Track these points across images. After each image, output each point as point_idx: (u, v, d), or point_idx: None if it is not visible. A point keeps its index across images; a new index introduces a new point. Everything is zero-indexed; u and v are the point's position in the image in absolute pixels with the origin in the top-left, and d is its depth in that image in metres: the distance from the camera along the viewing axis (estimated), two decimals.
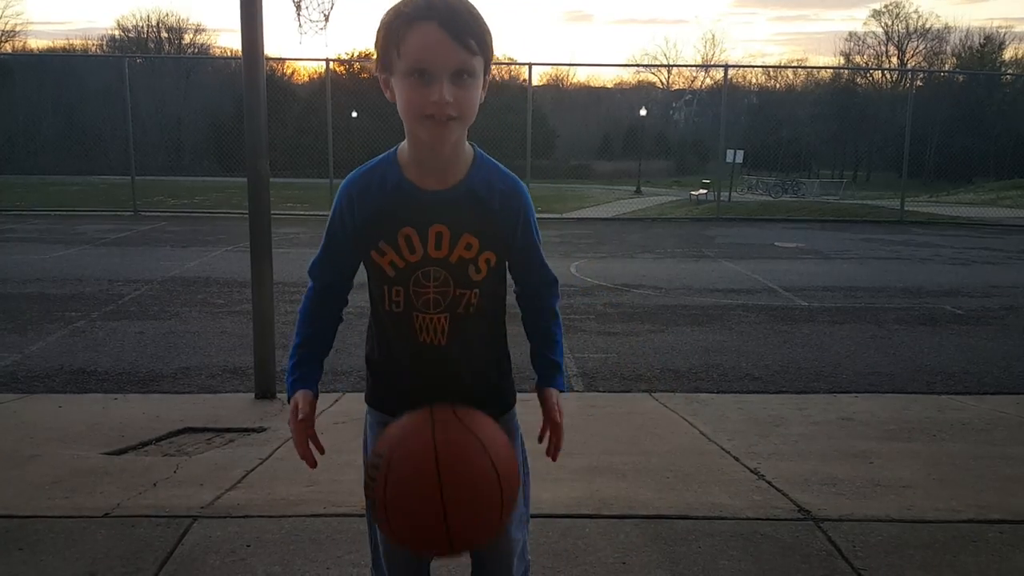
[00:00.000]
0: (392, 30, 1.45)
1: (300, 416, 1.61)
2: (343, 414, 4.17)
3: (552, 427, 1.73)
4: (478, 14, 1.46)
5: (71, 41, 58.94)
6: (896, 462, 3.61)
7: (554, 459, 1.74)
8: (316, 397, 1.67)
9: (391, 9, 1.47)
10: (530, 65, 18.43)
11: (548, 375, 1.74)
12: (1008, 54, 58.06)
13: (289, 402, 1.66)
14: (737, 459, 3.59)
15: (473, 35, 1.44)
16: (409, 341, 1.60)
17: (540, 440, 1.74)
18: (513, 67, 31.48)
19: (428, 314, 1.58)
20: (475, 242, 1.56)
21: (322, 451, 1.66)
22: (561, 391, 1.75)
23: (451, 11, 1.42)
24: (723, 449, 3.75)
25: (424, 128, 1.47)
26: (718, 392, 5.03)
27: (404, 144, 1.57)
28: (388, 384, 1.68)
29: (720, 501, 3.06)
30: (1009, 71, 53.43)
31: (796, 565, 2.56)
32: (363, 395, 1.78)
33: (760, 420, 4.30)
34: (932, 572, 2.54)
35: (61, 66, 36.73)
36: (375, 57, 1.51)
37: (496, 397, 1.71)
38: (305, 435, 1.63)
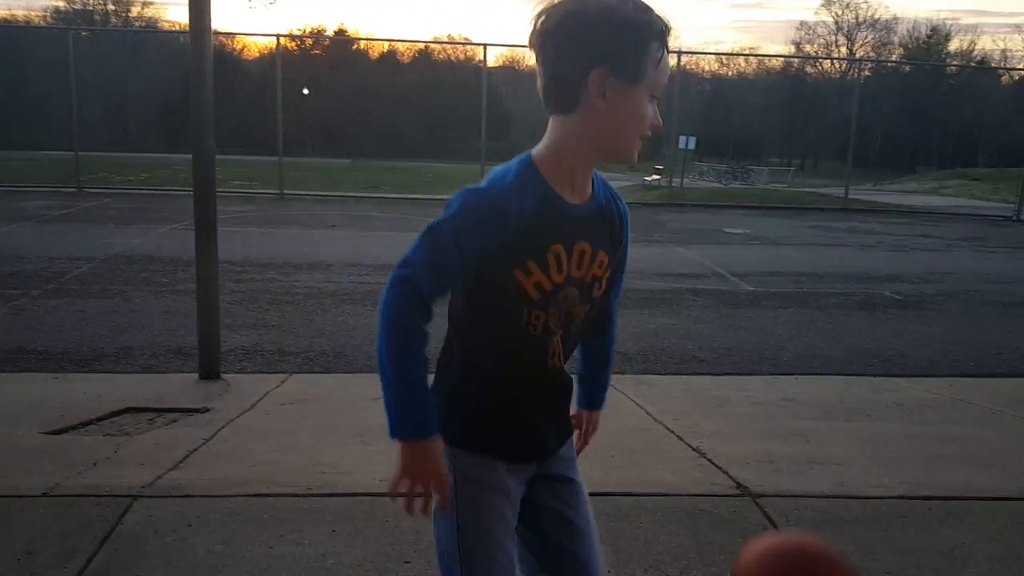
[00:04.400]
0: (655, 44, 1.36)
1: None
2: (289, 395, 4.13)
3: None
4: None
5: (12, 12, 57.06)
6: (832, 441, 3.72)
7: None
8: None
9: (649, 14, 1.35)
10: (485, 46, 18.32)
11: (601, 398, 1.78)
12: (954, 46, 59.50)
13: (416, 440, 1.35)
14: (680, 438, 3.66)
15: None
16: (538, 365, 1.49)
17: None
18: (468, 47, 31.25)
19: (558, 335, 1.48)
20: (606, 259, 1.50)
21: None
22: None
23: None
24: (668, 429, 3.82)
25: (637, 145, 1.43)
26: (666, 374, 5.11)
27: (540, 153, 1.44)
28: (505, 421, 1.50)
29: (662, 478, 3.12)
30: (954, 63, 54.71)
31: (732, 539, 2.62)
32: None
33: (704, 401, 4.39)
34: (864, 546, 2.64)
35: (2, 37, 35.48)
36: (608, 53, 1.35)
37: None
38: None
